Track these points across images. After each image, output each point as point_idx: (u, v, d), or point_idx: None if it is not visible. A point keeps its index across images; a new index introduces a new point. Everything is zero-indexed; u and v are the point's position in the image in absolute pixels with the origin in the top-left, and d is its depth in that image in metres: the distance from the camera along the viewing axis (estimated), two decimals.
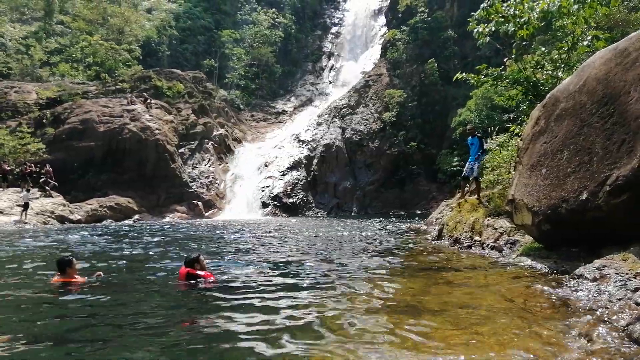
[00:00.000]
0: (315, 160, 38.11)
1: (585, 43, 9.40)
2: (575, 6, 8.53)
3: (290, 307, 4.73)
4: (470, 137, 11.96)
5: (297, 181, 35.95)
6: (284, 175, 36.07)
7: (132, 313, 4.68)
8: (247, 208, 32.82)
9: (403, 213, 34.79)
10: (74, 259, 6.32)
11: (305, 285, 6.04)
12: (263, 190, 34.45)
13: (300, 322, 4.12)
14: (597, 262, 4.98)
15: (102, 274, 6.68)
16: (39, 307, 5.16)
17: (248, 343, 3.56)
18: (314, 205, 35.67)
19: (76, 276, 6.20)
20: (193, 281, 6.12)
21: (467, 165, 11.94)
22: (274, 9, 58.53)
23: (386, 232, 15.99)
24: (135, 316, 4.56)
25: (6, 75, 37.51)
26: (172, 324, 4.30)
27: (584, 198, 5.42)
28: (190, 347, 3.56)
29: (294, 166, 36.96)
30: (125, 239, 13.86)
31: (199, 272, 6.22)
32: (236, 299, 5.17)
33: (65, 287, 5.92)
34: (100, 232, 16.75)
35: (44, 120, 30.27)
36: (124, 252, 10.33)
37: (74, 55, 41.86)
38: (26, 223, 20.71)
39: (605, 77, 5.43)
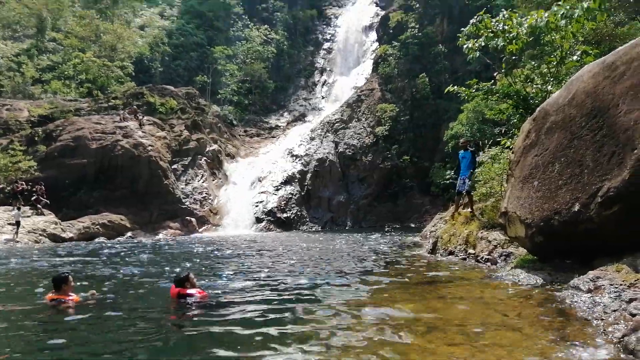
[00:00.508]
0: (308, 175, 38.12)
1: (574, 58, 9.56)
2: (563, 21, 8.69)
3: (286, 330, 4.69)
4: (462, 151, 12.03)
5: (290, 196, 35.90)
6: (277, 190, 36.01)
7: (125, 335, 4.63)
8: (241, 223, 32.66)
9: (397, 226, 34.78)
10: (70, 277, 6.26)
11: (300, 303, 6.00)
12: (257, 206, 34.35)
13: (296, 344, 4.09)
14: (591, 274, 5.00)
15: (95, 292, 6.61)
16: (33, 324, 5.13)
17: None
18: (308, 219, 35.58)
19: (71, 294, 6.13)
20: (184, 300, 6.04)
21: (459, 180, 11.99)
22: (266, 25, 59.08)
23: (380, 246, 15.96)
24: (126, 339, 4.51)
25: None
26: (163, 346, 4.25)
27: (575, 210, 5.46)
28: None
29: (288, 181, 36.93)
30: (119, 257, 13.73)
31: (190, 291, 6.12)
32: (229, 321, 5.11)
33: (60, 304, 5.85)
34: (91, 250, 16.59)
35: (36, 138, 30.11)
36: (117, 270, 10.22)
37: (66, 73, 41.83)
38: (17, 242, 20.48)
39: (594, 90, 5.52)
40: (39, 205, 24.58)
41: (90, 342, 4.36)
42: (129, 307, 6.09)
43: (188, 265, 11.12)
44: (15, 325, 5.07)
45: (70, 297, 6.06)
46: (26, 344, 4.29)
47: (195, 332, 4.77)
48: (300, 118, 51.35)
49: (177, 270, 9.31)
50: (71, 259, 13.30)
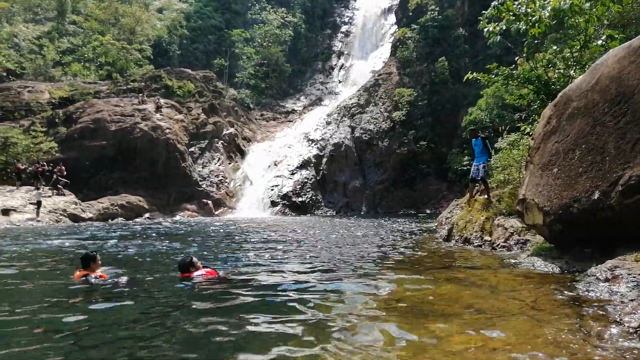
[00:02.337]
0: (324, 160, 38.10)
1: (599, 42, 9.29)
2: (587, 4, 8.42)
3: (295, 306, 4.74)
4: (474, 139, 11.90)
5: (306, 180, 35.98)
6: (293, 174, 36.12)
7: (151, 313, 4.74)
8: (257, 207, 32.92)
9: (413, 212, 34.66)
10: (97, 255, 6.49)
11: (312, 284, 6.04)
12: (272, 189, 34.54)
13: (305, 325, 4.13)
14: (609, 263, 4.93)
15: (119, 271, 6.80)
16: (65, 301, 5.35)
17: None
18: (323, 204, 35.67)
19: (98, 272, 6.33)
20: (194, 281, 6.13)
21: (473, 167, 11.87)
22: (283, 8, 58.63)
23: (395, 231, 15.95)
24: (152, 315, 4.61)
25: (20, 75, 38.00)
26: (174, 326, 4.33)
27: (595, 198, 5.36)
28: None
29: (303, 165, 36.99)
30: (140, 237, 13.98)
31: (196, 273, 6.18)
32: (243, 301, 5.19)
33: (89, 281, 6.08)
34: (113, 230, 16.92)
35: (57, 120, 30.63)
36: (139, 250, 10.42)
37: (86, 55, 42.28)
38: (39, 221, 20.99)
39: (619, 76, 5.37)
40: (59, 186, 25.08)
41: (121, 316, 4.53)
42: (152, 286, 6.24)
43: (209, 245, 11.29)
44: (48, 301, 5.30)
45: (98, 274, 6.26)
46: (60, 319, 4.47)
47: (209, 305, 4.87)
48: (317, 102, 51.17)
49: (202, 250, 9.45)
50: (91, 237, 13.61)
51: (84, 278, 6.12)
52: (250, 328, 3.94)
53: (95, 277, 6.14)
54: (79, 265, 6.45)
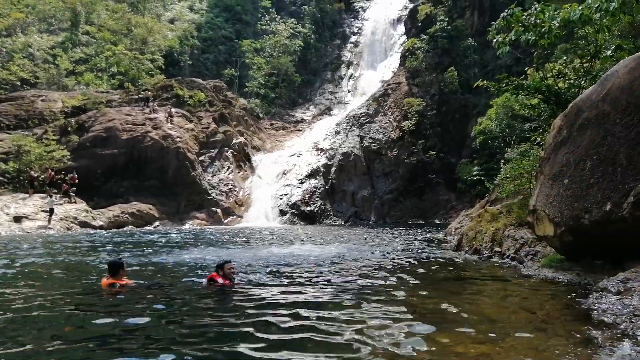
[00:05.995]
0: (333, 169, 38.12)
1: (608, 53, 9.26)
2: (597, 14, 8.39)
3: (311, 318, 4.74)
4: None
5: (315, 189, 35.99)
6: (302, 183, 36.14)
7: (177, 316, 4.77)
8: (266, 216, 32.95)
9: (422, 222, 34.51)
10: (125, 263, 6.62)
11: (326, 296, 6.04)
12: (281, 198, 34.58)
13: (321, 336, 4.13)
14: (621, 275, 4.87)
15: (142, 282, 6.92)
16: (96, 305, 5.56)
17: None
18: (332, 213, 35.63)
19: (125, 279, 6.44)
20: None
21: None
22: (293, 19, 59.05)
23: (405, 242, 15.88)
24: (180, 323, 4.64)
25: (33, 84, 38.59)
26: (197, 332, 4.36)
27: (607, 209, 5.32)
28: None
29: (312, 174, 37.01)
30: (153, 246, 14.04)
31: (220, 280, 6.41)
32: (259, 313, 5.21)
33: (117, 288, 6.20)
34: (125, 238, 17.03)
35: (69, 128, 31.01)
36: (157, 259, 10.47)
37: (98, 65, 42.86)
38: (50, 228, 21.19)
39: (630, 87, 5.35)
40: (71, 194, 25.34)
41: (148, 319, 4.64)
42: (177, 293, 6.35)
43: (226, 252, 11.30)
44: (78, 305, 5.45)
45: (126, 281, 6.41)
46: (88, 320, 4.63)
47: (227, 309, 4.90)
48: (326, 112, 51.30)
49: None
50: (107, 245, 13.70)
51: (112, 284, 6.23)
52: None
53: (121, 285, 6.26)
54: (104, 273, 6.59)
